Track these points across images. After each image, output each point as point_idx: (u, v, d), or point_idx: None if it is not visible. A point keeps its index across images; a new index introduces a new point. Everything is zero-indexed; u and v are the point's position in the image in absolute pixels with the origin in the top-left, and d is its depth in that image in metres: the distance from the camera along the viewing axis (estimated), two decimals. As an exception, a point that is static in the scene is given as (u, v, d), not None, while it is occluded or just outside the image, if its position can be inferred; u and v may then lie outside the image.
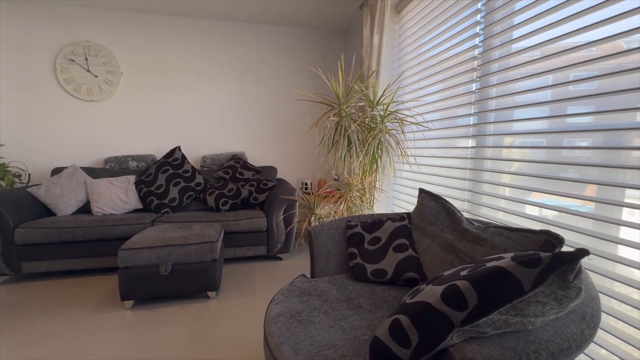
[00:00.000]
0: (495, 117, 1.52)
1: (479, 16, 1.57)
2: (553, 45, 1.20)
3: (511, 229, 1.05)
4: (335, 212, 2.04)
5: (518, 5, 1.35)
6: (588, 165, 1.09)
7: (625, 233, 1.01)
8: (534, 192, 1.30)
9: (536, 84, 1.28)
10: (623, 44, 1.02)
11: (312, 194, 3.35)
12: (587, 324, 0.72)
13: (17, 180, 2.77)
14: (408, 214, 1.54)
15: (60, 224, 2.24)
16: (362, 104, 2.16)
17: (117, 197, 2.62)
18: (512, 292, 0.57)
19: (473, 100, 1.63)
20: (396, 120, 2.00)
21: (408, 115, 2.06)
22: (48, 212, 2.51)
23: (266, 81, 3.42)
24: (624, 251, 1.02)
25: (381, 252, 1.39)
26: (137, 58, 3.10)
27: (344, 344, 0.93)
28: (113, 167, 2.97)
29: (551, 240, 0.87)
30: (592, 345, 1.08)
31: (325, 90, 3.47)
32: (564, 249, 0.99)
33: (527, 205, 1.35)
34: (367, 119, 2.08)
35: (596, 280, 1.08)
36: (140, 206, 2.71)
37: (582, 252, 0.60)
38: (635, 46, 0.97)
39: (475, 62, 1.60)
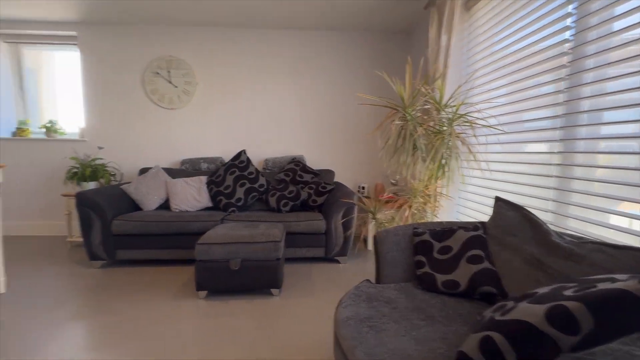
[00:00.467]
0: (589, 119, 1.36)
1: (570, 7, 1.42)
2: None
3: (615, 246, 0.93)
4: (397, 217, 1.99)
5: (623, -7, 1.19)
6: None
7: None
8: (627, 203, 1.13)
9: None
10: None
11: (370, 198, 3.32)
12: None
13: (112, 178, 3.20)
14: (482, 223, 1.45)
15: (147, 217, 2.54)
16: (428, 107, 2.09)
17: (192, 196, 2.89)
18: None
19: (561, 101, 1.47)
20: (467, 123, 1.89)
21: (479, 118, 1.93)
22: (136, 207, 2.86)
23: (324, 86, 3.49)
24: None
25: (453, 262, 1.32)
26: (209, 69, 3.40)
27: (419, 356, 0.90)
28: (188, 168, 3.28)
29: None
30: None
31: (384, 93, 3.42)
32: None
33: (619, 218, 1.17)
34: (433, 123, 2.00)
35: None
36: (210, 204, 2.95)
37: None
38: None
39: (565, 58, 1.44)
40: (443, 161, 1.91)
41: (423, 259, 1.41)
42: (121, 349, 1.53)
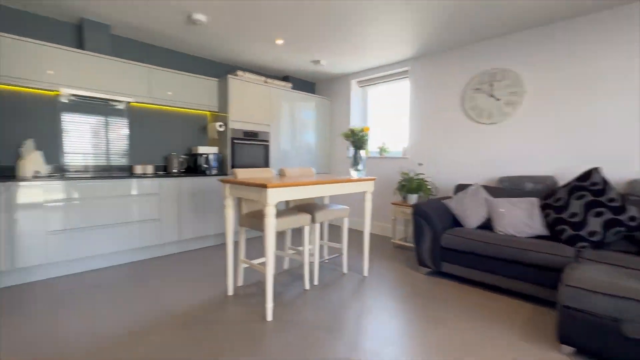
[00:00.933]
0: None
1: None
2: None
3: None
4: None
5: None
6: None
7: None
8: None
9: None
10: None
11: None
12: None
13: (431, 192, 3.47)
14: None
15: (475, 236, 2.47)
16: None
17: (520, 220, 2.54)
18: None
19: None
20: None
21: None
22: (455, 222, 2.90)
23: None
24: None
25: None
26: (542, 74, 2.91)
27: None
28: (507, 187, 2.97)
29: None
30: None
31: None
32: None
33: None
34: None
35: None
36: (545, 233, 2.47)
37: None
38: None
39: None
40: None
41: None
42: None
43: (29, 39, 2.57)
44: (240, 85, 3.74)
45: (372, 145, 4.45)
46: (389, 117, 4.40)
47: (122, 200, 2.90)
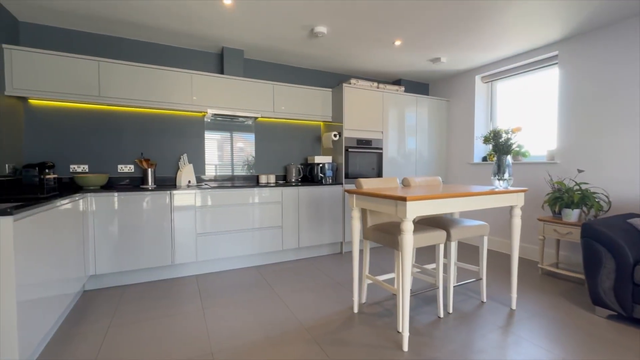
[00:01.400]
0: None
1: None
2: None
3: None
4: None
5: None
6: None
7: None
8: None
9: None
10: None
11: None
12: None
13: (601, 208, 2.66)
14: None
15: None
16: None
17: None
18: None
19: None
20: None
21: None
22: (652, 250, 2.12)
23: None
24: None
25: None
26: None
27: None
28: None
29: None
30: None
31: None
32: None
33: None
34: None
35: None
36: None
37: None
38: None
39: None
40: None
41: None
42: None
43: (183, 70, 3.05)
44: (354, 93, 3.68)
45: (504, 149, 3.77)
46: (525, 115, 3.66)
47: (252, 207, 3.14)
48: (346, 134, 3.65)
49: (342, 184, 3.64)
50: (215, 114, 3.18)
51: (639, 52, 2.61)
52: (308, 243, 3.45)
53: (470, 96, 4.11)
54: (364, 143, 3.77)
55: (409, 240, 1.68)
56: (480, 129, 4.11)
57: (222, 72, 3.44)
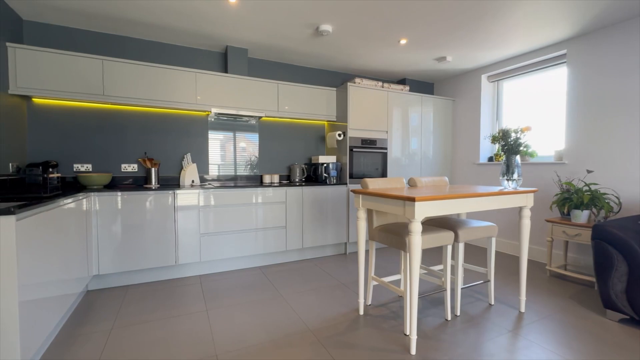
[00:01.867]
0: None
1: None
2: None
3: None
4: None
5: None
6: None
7: None
8: None
9: None
10: None
11: None
12: None
13: (611, 209, 2.61)
14: None
15: None
16: None
17: None
18: None
19: None
20: None
21: None
22: (665, 253, 2.06)
23: None
24: None
25: None
26: None
27: None
28: None
29: None
30: None
31: None
32: None
33: None
34: None
35: None
36: None
37: None
38: None
39: None
40: None
41: None
42: None
43: (187, 69, 3.03)
44: (359, 92, 3.65)
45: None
46: (532, 115, 3.61)
47: (255, 207, 3.12)
48: (350, 133, 3.62)
49: (346, 184, 3.60)
50: (219, 113, 3.16)
51: (651, 51, 2.56)
52: (312, 243, 3.42)
53: (476, 95, 4.06)
54: (368, 143, 3.73)
55: (418, 241, 1.65)
56: (486, 129, 4.07)
57: (226, 71, 3.42)
